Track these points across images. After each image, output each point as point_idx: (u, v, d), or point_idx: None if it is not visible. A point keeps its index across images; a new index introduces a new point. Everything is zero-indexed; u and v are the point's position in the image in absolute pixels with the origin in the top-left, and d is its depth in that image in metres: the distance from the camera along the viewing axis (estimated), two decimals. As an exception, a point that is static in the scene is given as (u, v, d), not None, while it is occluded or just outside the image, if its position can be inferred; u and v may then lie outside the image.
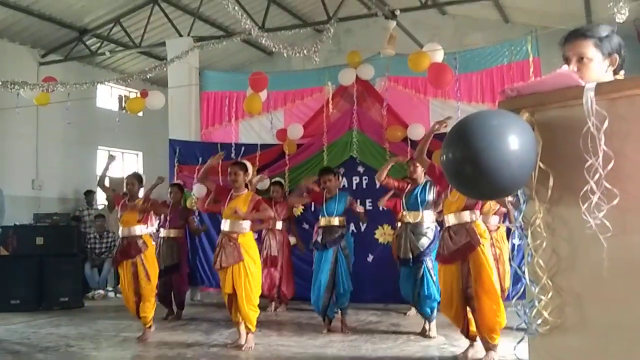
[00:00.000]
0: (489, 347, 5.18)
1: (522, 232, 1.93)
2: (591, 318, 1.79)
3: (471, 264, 5.16)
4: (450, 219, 5.37)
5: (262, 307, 6.60)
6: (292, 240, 8.86)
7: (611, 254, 1.71)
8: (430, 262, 6.32)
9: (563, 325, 1.84)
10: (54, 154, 11.92)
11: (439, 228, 6.42)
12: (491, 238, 6.55)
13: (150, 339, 6.49)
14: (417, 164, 6.41)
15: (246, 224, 6.11)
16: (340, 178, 7.61)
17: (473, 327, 5.31)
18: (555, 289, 1.85)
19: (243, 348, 5.93)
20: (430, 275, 6.28)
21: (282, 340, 6.44)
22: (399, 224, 6.74)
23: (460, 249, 5.21)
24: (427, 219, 6.42)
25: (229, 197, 6.19)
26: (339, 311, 6.88)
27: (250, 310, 5.97)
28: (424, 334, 6.43)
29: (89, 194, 12.06)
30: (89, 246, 10.93)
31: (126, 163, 14.36)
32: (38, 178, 11.67)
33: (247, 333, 6.02)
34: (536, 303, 1.86)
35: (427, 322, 6.44)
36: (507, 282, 7.05)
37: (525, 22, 11.16)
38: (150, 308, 6.54)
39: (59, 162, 12.05)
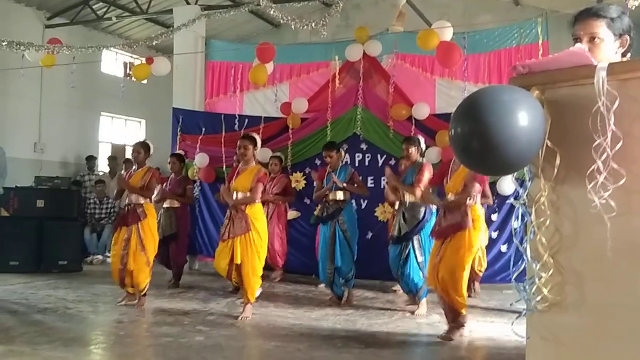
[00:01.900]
0: (457, 322, 5.36)
1: (525, 209, 1.94)
2: (591, 297, 1.80)
3: (452, 241, 5.27)
4: (450, 199, 5.45)
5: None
6: (293, 214, 8.89)
7: (614, 234, 1.72)
8: (417, 242, 6.38)
9: (562, 303, 1.85)
10: (57, 117, 11.91)
11: (433, 209, 6.48)
12: None
13: (148, 306, 6.54)
14: (411, 147, 6.48)
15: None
16: (344, 154, 7.63)
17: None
18: (556, 267, 1.86)
19: (240, 318, 5.98)
20: (415, 256, 6.34)
21: (279, 311, 6.49)
22: (399, 204, 6.81)
23: (450, 227, 5.33)
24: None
25: (237, 171, 6.22)
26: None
27: (254, 281, 6.03)
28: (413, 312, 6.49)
29: (90, 159, 12.08)
30: (88, 211, 10.97)
31: (129, 130, 14.35)
32: (40, 141, 11.67)
33: (246, 303, 6.08)
34: (536, 280, 1.88)
35: (417, 300, 6.52)
36: (483, 265, 7.21)
37: (536, 4, 11.07)
38: (143, 278, 6.46)
39: (62, 126, 12.04)
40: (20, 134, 11.07)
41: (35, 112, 11.57)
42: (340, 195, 6.95)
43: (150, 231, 6.59)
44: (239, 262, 5.94)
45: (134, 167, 6.90)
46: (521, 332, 1.98)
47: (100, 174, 12.32)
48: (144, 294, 6.57)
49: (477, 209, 5.45)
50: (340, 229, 6.89)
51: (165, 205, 8.01)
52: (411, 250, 6.36)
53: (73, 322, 5.79)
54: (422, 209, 6.42)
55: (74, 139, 12.38)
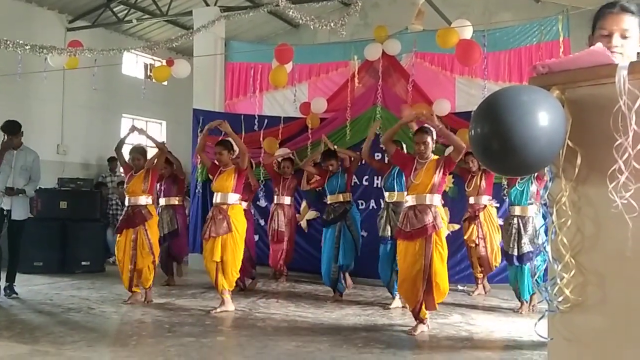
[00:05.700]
0: (423, 320, 5.52)
1: (547, 209, 1.93)
2: (613, 297, 1.78)
3: (434, 244, 5.37)
4: (416, 199, 5.49)
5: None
6: (312, 214, 8.91)
7: (636, 233, 1.70)
8: None
9: (584, 303, 1.83)
10: (79, 119, 12.03)
11: None
12: (478, 217, 7.21)
13: (170, 306, 6.62)
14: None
15: (235, 197, 6.47)
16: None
17: (424, 309, 5.49)
18: (577, 267, 1.85)
19: (218, 310, 6.28)
20: None
21: (299, 311, 6.52)
22: (382, 205, 6.96)
23: (424, 228, 5.37)
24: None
25: (218, 172, 6.55)
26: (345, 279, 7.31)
27: (234, 276, 6.50)
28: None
29: (112, 161, 12.16)
30: (110, 212, 11.08)
31: (150, 131, 14.42)
32: (63, 143, 11.80)
33: (223, 296, 6.43)
34: (558, 281, 1.86)
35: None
36: (498, 260, 7.23)
37: (556, 1, 10.95)
38: (151, 276, 6.81)
39: (84, 128, 12.16)
40: (43, 136, 11.17)
41: (58, 115, 11.71)
42: (340, 197, 7.20)
43: (155, 231, 6.89)
44: (218, 259, 6.28)
45: (133, 170, 7.01)
46: (544, 333, 1.97)
47: (122, 175, 12.41)
48: (149, 287, 6.85)
49: (441, 208, 5.57)
50: (348, 229, 7.11)
51: (163, 202, 8.20)
52: None
53: (96, 322, 5.86)
54: None
55: (95, 141, 12.50)
